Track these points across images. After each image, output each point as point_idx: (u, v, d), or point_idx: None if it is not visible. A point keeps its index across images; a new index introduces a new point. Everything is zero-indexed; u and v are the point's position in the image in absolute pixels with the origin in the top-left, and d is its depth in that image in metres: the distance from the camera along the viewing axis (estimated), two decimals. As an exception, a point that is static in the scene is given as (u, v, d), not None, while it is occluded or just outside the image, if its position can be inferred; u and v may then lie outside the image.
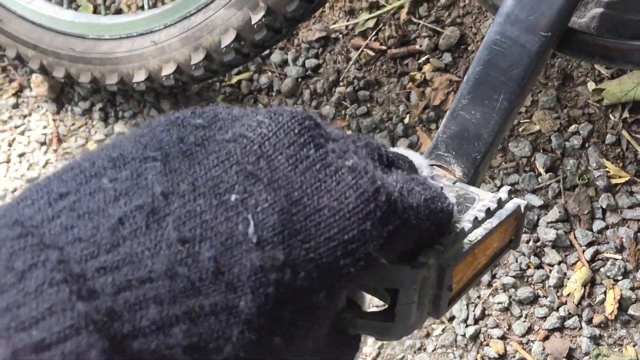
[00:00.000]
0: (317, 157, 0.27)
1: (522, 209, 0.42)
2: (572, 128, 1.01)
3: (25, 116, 1.29)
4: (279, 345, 0.25)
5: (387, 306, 0.34)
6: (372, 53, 1.13)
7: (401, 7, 1.12)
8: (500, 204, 0.41)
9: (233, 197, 0.24)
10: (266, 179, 0.25)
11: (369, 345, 0.99)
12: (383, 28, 1.13)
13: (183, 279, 0.23)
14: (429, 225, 0.31)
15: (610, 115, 1.00)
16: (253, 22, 0.92)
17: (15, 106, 1.31)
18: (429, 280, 0.35)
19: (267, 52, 1.18)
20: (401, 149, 0.36)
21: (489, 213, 0.39)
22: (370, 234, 0.26)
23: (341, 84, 1.13)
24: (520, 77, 0.60)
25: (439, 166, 0.58)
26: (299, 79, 1.17)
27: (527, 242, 0.98)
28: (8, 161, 1.25)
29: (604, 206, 0.97)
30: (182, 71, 1.04)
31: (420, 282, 0.34)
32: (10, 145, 1.27)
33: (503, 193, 0.42)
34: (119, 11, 1.34)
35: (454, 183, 0.46)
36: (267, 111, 0.28)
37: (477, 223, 0.38)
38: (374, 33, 1.14)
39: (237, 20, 0.94)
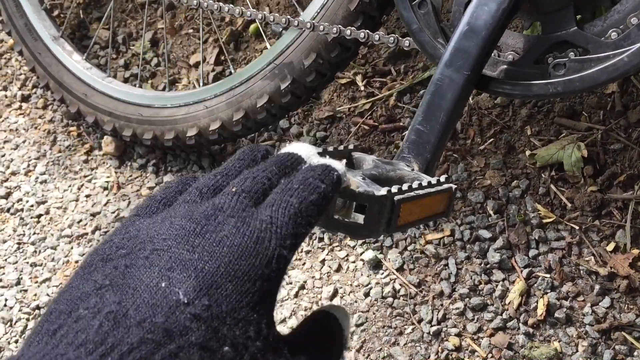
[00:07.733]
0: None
1: (454, 190, 0.63)
2: (514, 183, 1.34)
3: (93, 169, 1.64)
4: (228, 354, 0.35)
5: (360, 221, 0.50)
6: (367, 127, 1.49)
7: (390, 95, 1.50)
8: (439, 182, 0.62)
9: (163, 284, 0.36)
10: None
11: (354, 340, 1.25)
12: (376, 109, 1.50)
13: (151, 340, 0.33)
14: (320, 200, 0.42)
15: (542, 174, 1.33)
16: (282, 88, 1.28)
17: (86, 162, 1.66)
18: (386, 208, 0.52)
19: (287, 125, 1.55)
20: (292, 145, 0.48)
21: (430, 185, 0.60)
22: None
23: (343, 150, 1.48)
24: (453, 100, 0.91)
25: (407, 165, 0.89)
26: (311, 146, 1.52)
27: (480, 264, 1.27)
28: (77, 200, 1.58)
29: (537, 238, 1.27)
30: (224, 127, 1.39)
31: (380, 205, 0.51)
32: (79, 189, 1.60)
33: (442, 178, 0.66)
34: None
35: (412, 170, 0.78)
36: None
37: (422, 186, 0.58)
38: (369, 113, 1.51)
39: (270, 88, 1.31)
